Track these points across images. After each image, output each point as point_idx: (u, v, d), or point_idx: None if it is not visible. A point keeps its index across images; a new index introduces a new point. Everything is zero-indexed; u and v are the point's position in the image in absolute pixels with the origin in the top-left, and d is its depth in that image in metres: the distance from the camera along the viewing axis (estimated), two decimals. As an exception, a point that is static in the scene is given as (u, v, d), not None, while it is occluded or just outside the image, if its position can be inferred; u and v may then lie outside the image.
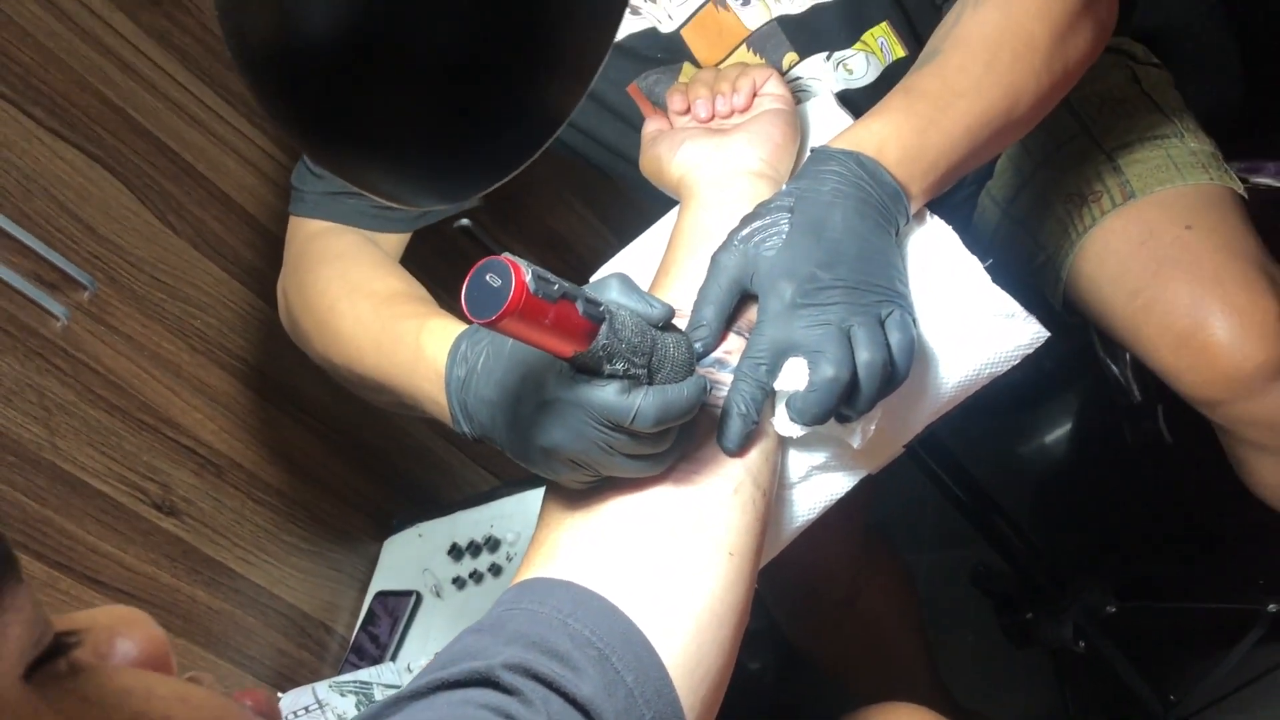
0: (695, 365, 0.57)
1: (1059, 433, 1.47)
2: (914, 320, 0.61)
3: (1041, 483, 1.43)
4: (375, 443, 1.38)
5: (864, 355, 0.58)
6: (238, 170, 1.27)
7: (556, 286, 0.48)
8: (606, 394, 0.52)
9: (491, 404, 0.58)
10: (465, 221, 1.40)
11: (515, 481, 1.34)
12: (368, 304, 0.72)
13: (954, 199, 0.99)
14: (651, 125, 0.76)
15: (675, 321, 0.57)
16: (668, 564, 0.55)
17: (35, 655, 0.23)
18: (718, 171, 0.69)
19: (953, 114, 0.65)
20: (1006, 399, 1.28)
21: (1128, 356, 1.24)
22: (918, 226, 0.67)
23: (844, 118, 0.74)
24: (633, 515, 0.57)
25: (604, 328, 0.51)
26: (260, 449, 1.26)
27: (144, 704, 0.24)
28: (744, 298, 0.62)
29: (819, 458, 0.67)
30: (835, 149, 0.64)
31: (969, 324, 0.65)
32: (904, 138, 0.64)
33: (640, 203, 0.85)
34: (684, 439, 0.57)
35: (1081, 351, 1.23)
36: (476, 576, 1.22)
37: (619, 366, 0.52)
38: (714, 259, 0.63)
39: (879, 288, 0.60)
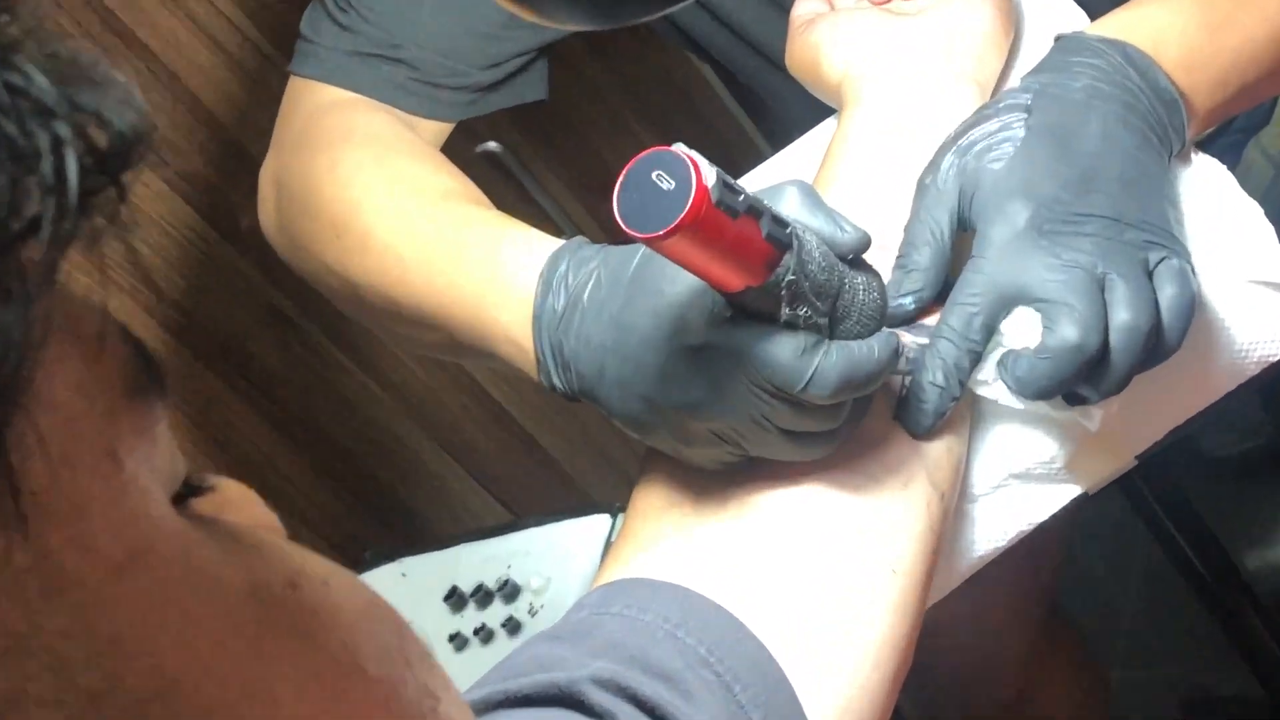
0: (886, 316, 0.60)
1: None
2: (1194, 271, 0.63)
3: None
4: (347, 441, 1.42)
5: (1123, 315, 0.61)
6: (191, 44, 1.31)
7: (742, 197, 0.50)
8: (779, 348, 0.55)
9: (603, 348, 0.60)
10: (493, 145, 1.45)
11: (540, 516, 1.37)
12: (415, 202, 0.75)
13: (1212, 146, 1.02)
14: (805, 3, 0.80)
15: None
16: (814, 576, 0.59)
17: (173, 490, 0.26)
18: (899, 71, 0.72)
19: (1259, 12, 0.67)
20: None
21: None
22: (1180, 166, 0.70)
23: (1076, 10, 0.77)
24: (771, 509, 0.61)
25: (789, 257, 0.53)
26: (189, 431, 1.30)
27: (302, 562, 0.28)
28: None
29: (1020, 459, 0.70)
30: (1093, 36, 0.67)
31: (1245, 291, 0.68)
32: (1190, 35, 0.66)
33: (738, 138, 0.84)
34: (857, 416, 0.60)
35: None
36: (485, 634, 1.24)
37: (800, 311, 0.54)
38: (922, 184, 0.67)
39: (1148, 225, 0.62)
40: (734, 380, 0.56)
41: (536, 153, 1.55)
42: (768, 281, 0.53)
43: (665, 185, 0.47)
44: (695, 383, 0.57)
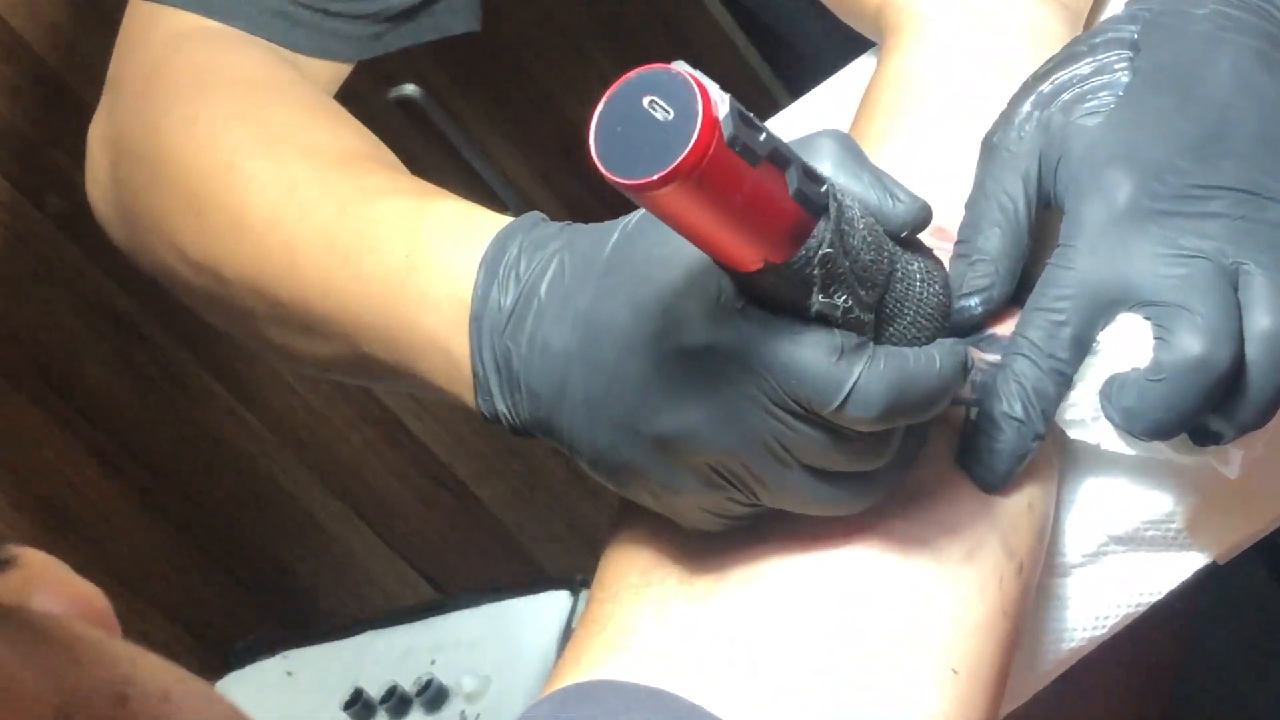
0: (951, 316, 0.61)
1: None
2: None
3: None
4: (213, 493, 1.42)
5: (1263, 320, 0.61)
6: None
7: (764, 137, 0.50)
8: (809, 350, 0.55)
9: (566, 356, 0.60)
10: (411, 89, 1.45)
11: (476, 594, 1.36)
12: (304, 167, 0.75)
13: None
14: None
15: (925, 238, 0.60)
16: (847, 680, 0.59)
17: None
18: None
19: None
20: None
21: None
22: None
23: None
24: (789, 586, 0.61)
25: (824, 224, 0.53)
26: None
27: (134, 669, 0.28)
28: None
29: (1126, 518, 0.70)
30: None
31: None
32: None
33: (750, 85, 0.85)
34: (908, 456, 0.61)
35: None
36: (399, 757, 1.24)
37: (838, 299, 0.55)
38: (989, 144, 0.67)
39: None
40: (745, 395, 0.56)
41: (470, 102, 1.56)
42: (795, 257, 0.53)
43: (661, 115, 0.47)
44: (692, 399, 0.57)
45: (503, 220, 0.66)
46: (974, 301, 0.66)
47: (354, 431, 1.50)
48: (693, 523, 0.62)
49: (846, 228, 0.54)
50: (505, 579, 1.40)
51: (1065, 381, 0.63)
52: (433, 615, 1.35)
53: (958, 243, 0.67)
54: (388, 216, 0.69)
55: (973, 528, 0.63)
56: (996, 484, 0.64)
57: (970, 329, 0.66)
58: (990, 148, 0.67)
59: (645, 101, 0.47)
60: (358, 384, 0.72)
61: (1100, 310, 0.63)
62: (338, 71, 0.90)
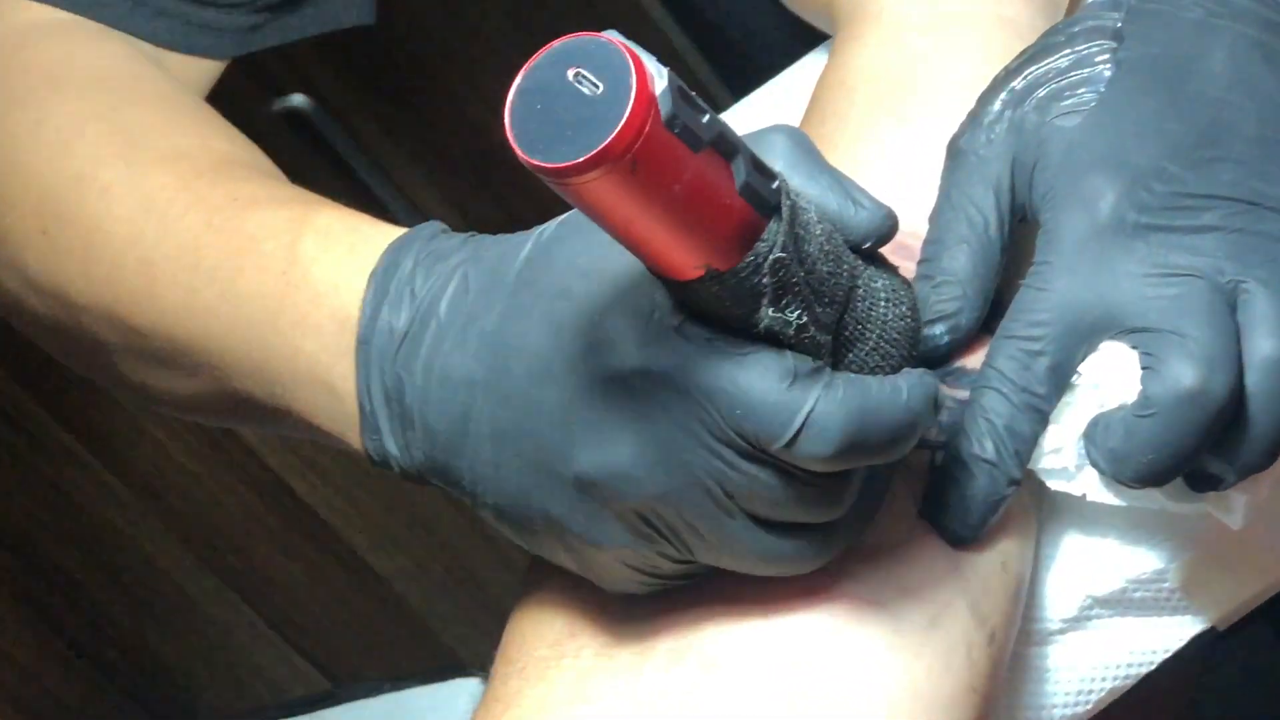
0: (919, 344, 0.60)
1: None
2: None
3: None
4: (66, 565, 1.41)
5: (1265, 345, 0.61)
6: None
7: (707, 119, 0.50)
8: (755, 373, 0.54)
9: (469, 385, 0.60)
10: (299, 99, 1.45)
11: (374, 682, 1.36)
12: (166, 174, 0.74)
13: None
14: None
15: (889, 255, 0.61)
16: None
17: None
18: None
19: None
20: None
21: None
22: None
23: None
24: (725, 659, 0.61)
25: (776, 225, 0.53)
26: None
27: None
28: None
29: (1111, 577, 0.70)
30: None
31: None
32: None
33: (690, 80, 0.86)
34: (869, 506, 0.61)
35: None
36: None
37: (791, 315, 0.55)
38: (955, 149, 0.67)
39: None
40: (682, 428, 0.55)
41: (366, 113, 1.56)
42: (743, 262, 0.52)
43: (589, 90, 0.47)
44: (619, 434, 0.56)
45: (396, 231, 0.66)
46: (939, 329, 0.66)
47: (230, 494, 1.49)
48: (616, 584, 0.61)
49: (802, 232, 0.54)
50: (407, 665, 1.39)
51: (1042, 419, 0.63)
52: (325, 707, 1.34)
53: (921, 262, 0.67)
54: (262, 229, 0.69)
55: (937, 590, 0.63)
56: (967, 537, 0.64)
57: (936, 361, 0.66)
58: (957, 153, 0.67)
59: (570, 74, 0.47)
60: (226, 426, 0.71)
61: (1081, 337, 0.63)
62: (209, 71, 0.90)
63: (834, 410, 0.54)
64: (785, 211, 0.53)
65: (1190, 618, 0.72)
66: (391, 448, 0.62)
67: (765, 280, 0.53)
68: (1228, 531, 0.67)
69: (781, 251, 0.53)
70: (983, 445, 0.63)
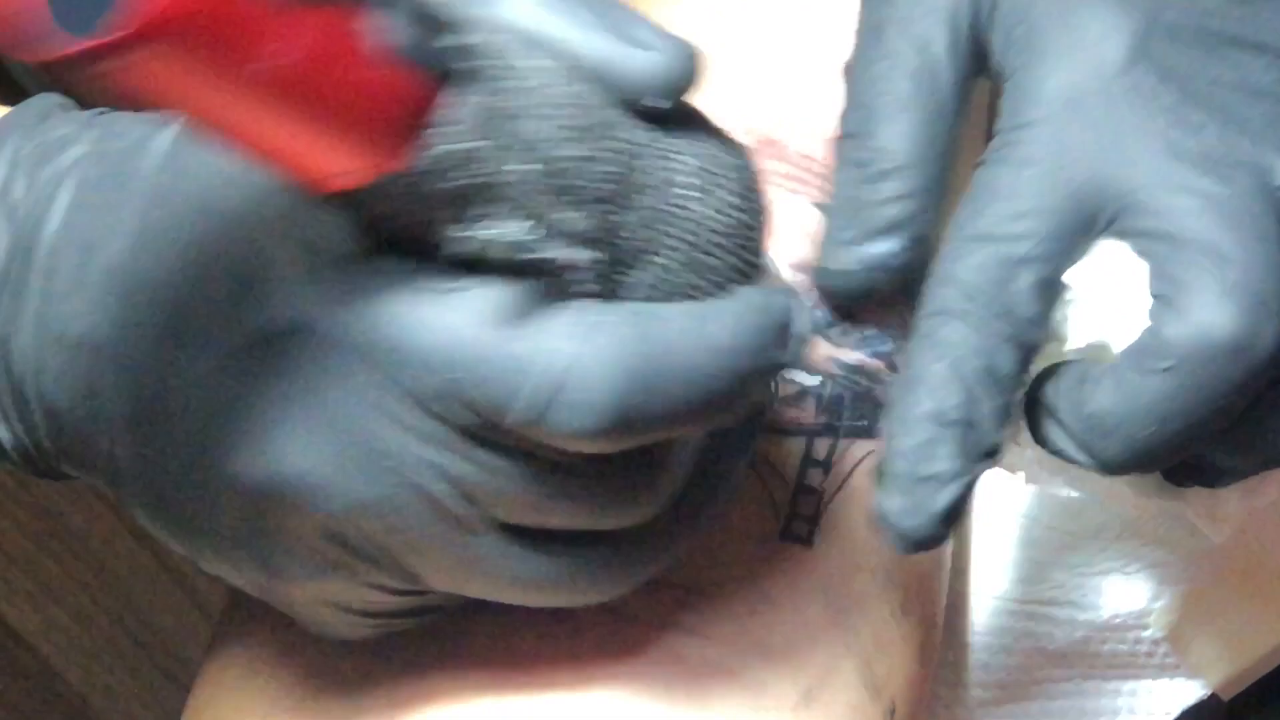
0: (765, 261, 0.52)
1: None
2: None
3: None
4: None
5: None
6: None
7: None
8: (458, 316, 0.47)
9: (93, 347, 0.51)
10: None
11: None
12: None
13: None
14: None
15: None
16: None
17: None
18: None
19: None
20: None
21: None
22: None
23: None
24: None
25: (453, 99, 0.47)
26: None
27: None
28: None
29: (1072, 624, 0.66)
30: None
31: None
32: None
33: None
34: (699, 505, 0.53)
35: None
36: None
37: (511, 229, 0.48)
38: None
39: None
40: (372, 405, 0.48)
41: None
42: (418, 157, 0.47)
43: None
44: (287, 420, 0.49)
45: None
46: (890, 244, 0.57)
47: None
48: (322, 627, 0.53)
49: (505, 100, 0.48)
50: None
51: (1028, 355, 0.53)
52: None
53: (843, 138, 0.58)
54: None
55: (814, 650, 0.56)
56: (926, 537, 0.52)
57: (863, 293, 0.57)
58: None
59: None
60: None
61: (1076, 235, 0.54)
62: None
63: (599, 357, 0.47)
64: (467, 75, 0.47)
65: (1181, 680, 0.67)
66: (6, 435, 0.54)
67: (451, 183, 0.47)
68: (1229, 559, 0.65)
69: (469, 140, 0.47)
70: (944, 397, 0.53)
